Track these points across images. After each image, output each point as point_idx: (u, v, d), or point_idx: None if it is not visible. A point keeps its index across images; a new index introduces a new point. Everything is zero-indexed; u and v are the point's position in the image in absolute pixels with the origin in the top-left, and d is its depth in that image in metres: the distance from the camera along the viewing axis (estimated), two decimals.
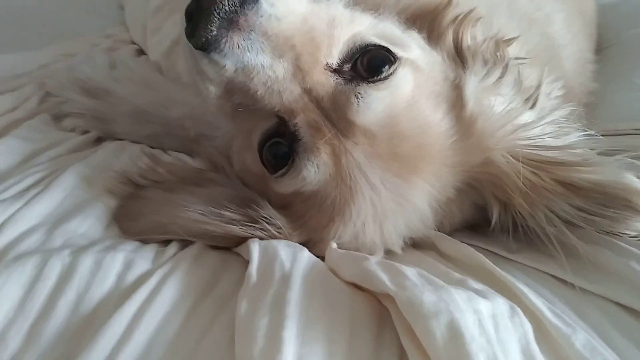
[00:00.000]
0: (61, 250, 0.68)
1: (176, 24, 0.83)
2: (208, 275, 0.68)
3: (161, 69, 1.13)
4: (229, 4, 0.60)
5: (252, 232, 0.71)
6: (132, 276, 0.66)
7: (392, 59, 0.68)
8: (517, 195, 0.69)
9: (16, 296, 0.62)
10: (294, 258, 0.66)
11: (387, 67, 0.67)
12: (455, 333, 0.53)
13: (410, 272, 0.62)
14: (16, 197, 0.77)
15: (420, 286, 0.58)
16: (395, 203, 0.68)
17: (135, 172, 0.83)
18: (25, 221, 0.73)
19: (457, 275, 0.65)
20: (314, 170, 0.66)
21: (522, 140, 0.71)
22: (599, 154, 0.72)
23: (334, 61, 0.68)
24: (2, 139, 0.89)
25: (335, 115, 0.66)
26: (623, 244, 0.68)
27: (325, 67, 0.68)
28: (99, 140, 1.00)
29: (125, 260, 0.68)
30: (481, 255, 0.69)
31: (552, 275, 0.68)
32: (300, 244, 0.71)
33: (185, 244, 0.74)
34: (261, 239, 0.71)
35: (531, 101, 0.76)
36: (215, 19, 0.60)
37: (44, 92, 1.05)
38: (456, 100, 0.70)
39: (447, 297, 0.56)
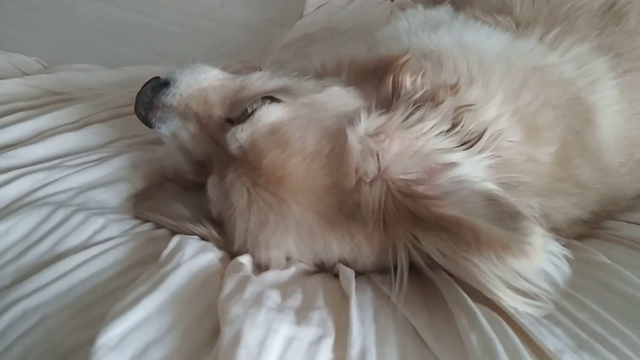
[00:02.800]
0: (69, 206, 0.92)
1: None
2: (151, 252, 0.85)
3: None
4: (145, 96, 0.91)
5: (199, 232, 0.88)
6: (101, 236, 0.87)
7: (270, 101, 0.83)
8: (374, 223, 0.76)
9: (27, 228, 0.87)
10: (195, 254, 0.80)
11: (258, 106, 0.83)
12: (236, 339, 0.63)
13: (255, 288, 0.72)
14: (75, 167, 1.02)
15: (243, 299, 0.69)
16: (273, 213, 0.79)
17: (174, 168, 1.04)
18: (67, 183, 0.97)
19: (317, 303, 0.73)
20: (211, 189, 0.86)
21: (400, 174, 0.75)
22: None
23: (235, 116, 0.87)
24: (99, 124, 1.18)
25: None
26: (477, 311, 0.68)
27: (225, 120, 0.87)
28: None
29: (103, 223, 0.89)
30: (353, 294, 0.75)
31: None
32: (237, 252, 0.84)
33: (159, 226, 0.93)
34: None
35: (469, 143, 0.78)
36: (141, 106, 0.91)
37: None
38: (341, 132, 0.78)
39: (251, 312, 0.67)
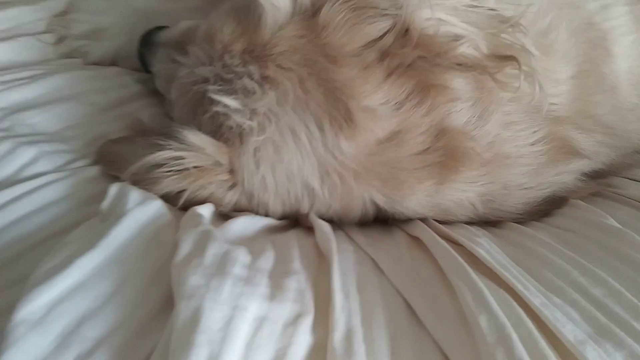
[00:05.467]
0: None
1: None
2: (91, 193, 0.72)
3: None
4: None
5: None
6: (30, 171, 0.73)
7: None
8: None
9: None
10: (141, 201, 0.66)
11: None
12: (194, 320, 0.50)
13: (218, 249, 0.59)
14: (3, 83, 0.87)
15: (204, 265, 0.56)
16: None
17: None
18: None
19: (293, 265, 0.61)
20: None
21: None
22: None
23: None
24: (35, 37, 1.00)
25: None
26: (483, 288, 0.57)
27: None
28: None
29: (34, 155, 0.75)
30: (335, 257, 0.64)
31: None
32: None
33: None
34: None
35: None
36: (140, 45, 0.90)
37: None
38: None
39: (213, 284, 0.54)
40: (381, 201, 0.70)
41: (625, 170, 0.92)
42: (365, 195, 0.69)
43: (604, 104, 0.86)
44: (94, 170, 0.76)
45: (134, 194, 0.67)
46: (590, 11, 0.90)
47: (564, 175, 0.81)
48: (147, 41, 0.89)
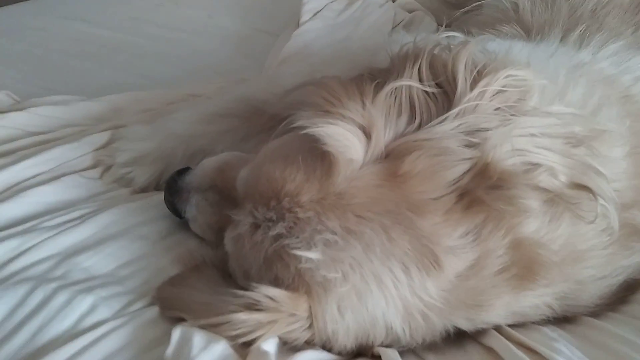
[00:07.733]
0: (50, 282, 0.77)
1: None
2: (152, 338, 0.71)
3: None
4: (171, 181, 0.88)
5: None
6: (89, 320, 0.73)
7: None
8: None
9: (0, 314, 0.73)
10: (205, 345, 0.65)
11: None
12: None
13: None
14: (54, 227, 0.87)
15: None
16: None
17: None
18: (46, 249, 0.83)
19: None
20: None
21: None
22: None
23: None
24: (76, 175, 1.01)
25: None
26: None
27: None
28: None
29: (92, 303, 0.75)
30: None
31: None
32: None
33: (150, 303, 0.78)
34: None
35: None
36: (168, 193, 0.88)
37: None
38: None
39: None
40: (464, 325, 0.68)
41: None
42: (448, 324, 0.68)
43: None
44: (152, 312, 0.75)
45: (198, 338, 0.66)
46: (625, 84, 0.90)
47: (636, 255, 0.78)
48: (174, 189, 0.87)
